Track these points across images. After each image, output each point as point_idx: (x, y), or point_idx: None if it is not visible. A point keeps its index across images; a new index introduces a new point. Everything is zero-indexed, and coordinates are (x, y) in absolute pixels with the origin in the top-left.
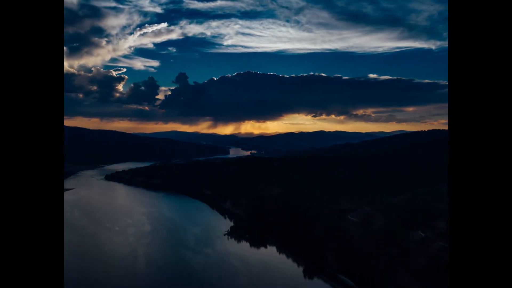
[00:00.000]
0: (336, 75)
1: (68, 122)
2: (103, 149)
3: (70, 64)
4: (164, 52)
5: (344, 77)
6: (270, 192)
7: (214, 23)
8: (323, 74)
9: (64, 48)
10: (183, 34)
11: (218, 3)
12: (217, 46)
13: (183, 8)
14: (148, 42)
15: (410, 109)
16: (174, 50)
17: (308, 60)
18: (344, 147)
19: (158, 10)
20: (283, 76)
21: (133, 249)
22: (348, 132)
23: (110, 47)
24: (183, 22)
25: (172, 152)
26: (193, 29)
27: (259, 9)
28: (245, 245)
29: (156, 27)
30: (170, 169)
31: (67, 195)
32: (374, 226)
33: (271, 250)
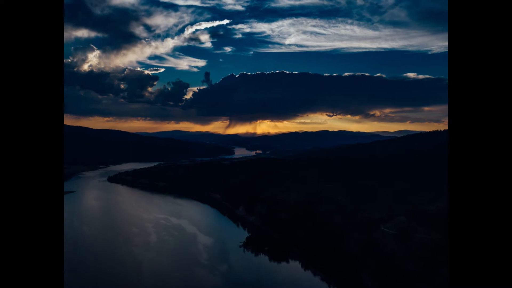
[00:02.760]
0: (379, 74)
1: (83, 122)
2: (105, 149)
3: (105, 63)
4: (219, 52)
5: (385, 77)
6: (287, 198)
7: (286, 22)
8: (366, 74)
9: (103, 47)
10: (244, 33)
11: (303, 1)
12: (270, 45)
13: (264, 5)
14: (202, 40)
15: (427, 108)
16: (230, 50)
17: (359, 59)
18: (355, 147)
19: (239, 7)
20: (318, 75)
21: (138, 264)
22: (351, 132)
23: (153, 45)
24: (251, 20)
25: (176, 152)
26: (259, 27)
27: (343, 6)
28: (264, 259)
29: (207, 24)
30: (175, 170)
31: (66, 199)
32: (415, 240)
33: (295, 265)
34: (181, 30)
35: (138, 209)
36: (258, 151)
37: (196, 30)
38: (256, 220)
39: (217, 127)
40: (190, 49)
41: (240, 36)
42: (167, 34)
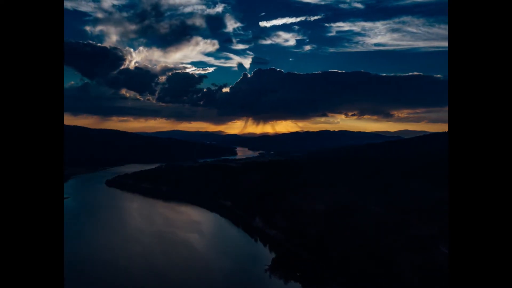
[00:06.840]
0: (437, 75)
1: (105, 124)
2: (104, 150)
3: (151, 62)
4: (297, 50)
5: (439, 77)
6: (312, 207)
7: (391, 20)
8: (421, 73)
9: (154, 47)
10: (340, 31)
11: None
12: (347, 44)
13: (385, 3)
14: (285, 37)
15: (446, 108)
16: (309, 48)
17: (429, 58)
18: (366, 147)
19: (359, 5)
20: (366, 75)
21: None
22: (353, 132)
23: (209, 42)
24: (352, 19)
25: (177, 153)
26: (354, 26)
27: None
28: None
29: (288, 20)
30: (179, 173)
31: None
32: None
33: None
34: (255, 27)
35: (140, 220)
36: (261, 151)
37: (273, 26)
38: (278, 234)
39: (229, 127)
40: (261, 47)
41: (333, 34)
42: (232, 33)
